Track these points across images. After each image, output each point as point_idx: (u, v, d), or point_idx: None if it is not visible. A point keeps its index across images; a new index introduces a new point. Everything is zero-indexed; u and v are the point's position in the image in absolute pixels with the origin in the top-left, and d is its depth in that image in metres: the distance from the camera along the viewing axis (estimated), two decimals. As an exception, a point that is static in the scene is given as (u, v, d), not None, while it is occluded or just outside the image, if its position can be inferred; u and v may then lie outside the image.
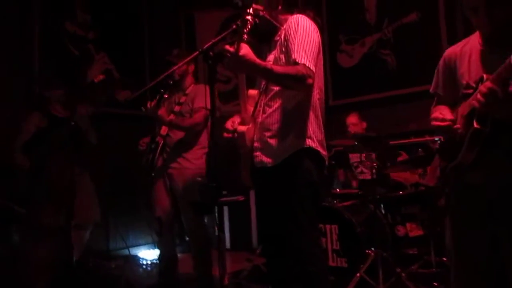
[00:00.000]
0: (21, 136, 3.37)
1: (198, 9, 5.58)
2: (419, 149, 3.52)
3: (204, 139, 3.28)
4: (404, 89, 4.48)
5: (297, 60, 1.96)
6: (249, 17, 1.97)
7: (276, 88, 2.11)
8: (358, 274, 3.07)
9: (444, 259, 3.26)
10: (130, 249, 4.57)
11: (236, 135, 2.18)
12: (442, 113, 1.74)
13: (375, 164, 3.40)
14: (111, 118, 4.34)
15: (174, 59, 3.19)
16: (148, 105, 3.11)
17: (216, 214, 2.06)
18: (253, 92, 2.27)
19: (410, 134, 4.22)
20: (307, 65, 1.96)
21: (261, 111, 2.17)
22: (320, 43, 2.10)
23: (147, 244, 4.87)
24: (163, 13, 5.47)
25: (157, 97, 3.08)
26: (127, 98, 4.38)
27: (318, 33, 2.09)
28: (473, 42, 1.78)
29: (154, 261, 4.06)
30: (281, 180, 2.05)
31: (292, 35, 2.04)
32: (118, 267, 3.97)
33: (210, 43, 2.04)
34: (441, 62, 1.91)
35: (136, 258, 4.53)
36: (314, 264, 2.05)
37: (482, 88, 1.49)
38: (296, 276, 2.06)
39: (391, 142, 4.04)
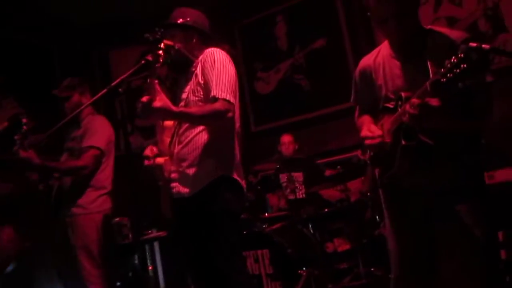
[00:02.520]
0: None
1: (112, 48, 5.49)
2: (338, 166, 3.67)
3: (100, 180, 3.03)
4: (319, 110, 4.68)
5: (216, 96, 2.00)
6: (160, 52, 1.99)
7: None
8: (293, 296, 3.09)
9: (372, 269, 3.38)
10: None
11: (156, 162, 2.15)
12: (370, 130, 1.79)
13: (299, 185, 3.49)
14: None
15: (62, 92, 3.06)
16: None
17: (136, 255, 2.00)
18: (169, 123, 2.26)
19: (330, 153, 4.41)
20: (226, 98, 2.01)
21: (177, 141, 2.18)
22: (236, 74, 2.15)
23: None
24: (74, 53, 5.31)
25: (19, 137, 2.78)
26: (39, 142, 4.15)
27: (233, 65, 2.15)
28: (383, 52, 1.85)
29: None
30: (199, 209, 2.05)
31: (209, 70, 2.08)
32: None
33: (119, 79, 2.02)
34: (356, 74, 1.98)
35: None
36: None
37: (409, 106, 1.53)
38: None
39: (317, 162, 4.19)
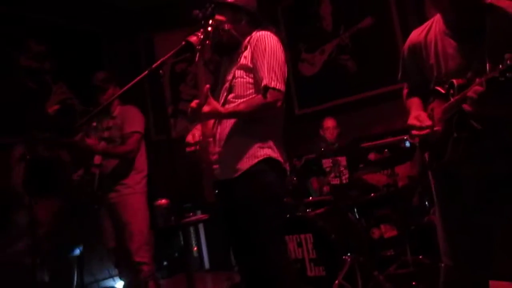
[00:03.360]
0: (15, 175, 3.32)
1: (156, 31, 5.55)
2: (385, 150, 3.54)
3: (140, 163, 3.20)
4: (366, 92, 4.53)
5: (268, 85, 1.97)
6: (209, 28, 1.97)
7: (236, 101, 2.08)
8: (336, 282, 3.03)
9: (420, 257, 3.26)
10: (106, 282, 4.43)
11: (198, 148, 2.12)
12: (419, 119, 1.68)
13: (343, 169, 3.40)
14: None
15: (101, 83, 3.16)
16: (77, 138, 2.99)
17: (181, 237, 2.01)
18: None
19: (376, 136, 4.26)
20: (277, 87, 1.98)
21: (220, 123, 2.13)
22: (285, 59, 2.10)
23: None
24: (121, 37, 5.42)
25: (83, 127, 3.02)
26: (84, 124, 4.29)
27: (283, 50, 2.09)
28: (436, 28, 1.70)
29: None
30: (242, 192, 2.02)
31: (260, 56, 2.04)
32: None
33: (160, 61, 2.00)
34: (405, 49, 1.84)
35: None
36: (281, 276, 2.01)
37: (471, 93, 1.41)
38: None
39: (361, 145, 4.07)
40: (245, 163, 2.03)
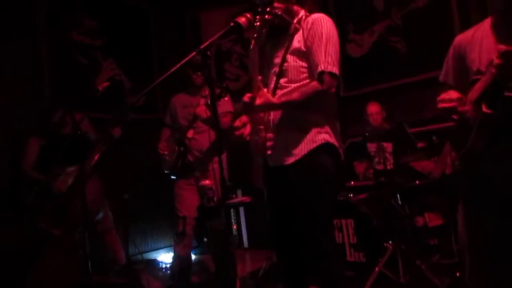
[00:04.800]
0: (27, 157, 3.46)
1: (203, 9, 5.56)
2: (434, 137, 3.41)
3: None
4: (416, 76, 4.37)
5: (324, 70, 1.94)
6: (268, 16, 1.96)
7: (289, 85, 2.05)
8: (377, 268, 3.00)
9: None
10: (150, 254, 4.60)
11: (246, 132, 2.14)
12: (448, 94, 1.66)
13: (389, 155, 3.32)
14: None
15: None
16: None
17: (224, 217, 2.04)
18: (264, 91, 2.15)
19: (424, 122, 4.12)
20: (333, 71, 1.94)
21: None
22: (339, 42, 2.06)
23: (166, 247, 4.89)
24: (169, 15, 5.47)
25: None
26: (135, 102, 4.39)
27: (337, 33, 2.04)
28: (484, 28, 1.69)
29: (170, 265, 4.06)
30: (298, 177, 2.01)
31: (317, 41, 1.99)
32: (137, 272, 3.98)
33: (208, 41, 1.99)
34: (450, 50, 1.83)
35: (155, 263, 4.54)
36: (330, 260, 2.02)
37: (497, 56, 1.41)
38: (313, 273, 2.05)
39: (409, 131, 3.94)
40: (303, 149, 2.01)
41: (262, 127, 2.08)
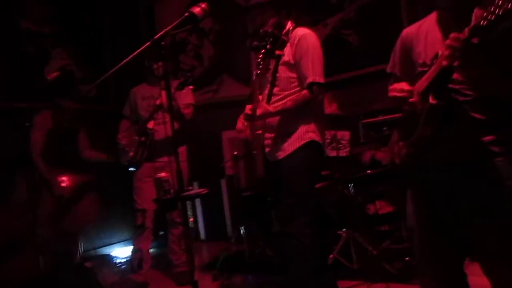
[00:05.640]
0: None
1: (158, -1, 5.45)
2: (384, 128, 3.54)
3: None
4: (367, 68, 4.49)
5: (313, 81, 2.30)
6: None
7: (282, 93, 2.39)
8: (331, 256, 3.09)
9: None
10: (103, 249, 4.49)
11: (248, 134, 2.50)
12: (400, 85, 1.72)
13: (346, 143, 3.41)
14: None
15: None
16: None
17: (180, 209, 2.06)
18: (249, 106, 2.48)
19: (375, 113, 4.24)
20: (321, 81, 2.32)
21: None
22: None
23: (120, 242, 4.80)
24: (122, 3, 5.31)
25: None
26: (87, 92, 4.26)
27: (320, 45, 2.42)
28: (430, 21, 1.75)
29: (128, 259, 4.00)
30: (287, 170, 2.37)
31: (304, 56, 2.33)
32: (91, 268, 3.89)
33: (163, 32, 1.97)
34: (398, 42, 1.89)
35: (109, 258, 4.45)
36: (302, 241, 2.31)
37: (449, 40, 1.45)
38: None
39: (363, 121, 4.06)
40: (293, 145, 2.36)
41: (260, 131, 2.43)
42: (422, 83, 1.62)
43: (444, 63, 1.49)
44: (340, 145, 3.63)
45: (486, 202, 1.56)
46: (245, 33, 5.03)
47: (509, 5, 1.24)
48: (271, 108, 2.35)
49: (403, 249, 3.22)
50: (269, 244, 3.62)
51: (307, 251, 2.28)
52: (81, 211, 3.24)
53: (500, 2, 1.27)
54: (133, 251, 3.46)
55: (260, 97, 2.44)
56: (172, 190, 2.12)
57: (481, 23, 1.32)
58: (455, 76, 1.54)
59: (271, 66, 2.42)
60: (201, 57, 5.31)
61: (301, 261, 2.31)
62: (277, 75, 2.40)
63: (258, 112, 2.34)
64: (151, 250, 3.75)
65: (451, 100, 1.54)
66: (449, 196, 1.64)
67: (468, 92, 1.55)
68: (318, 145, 2.41)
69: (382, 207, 3.55)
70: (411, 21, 1.96)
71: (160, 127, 3.26)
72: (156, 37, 1.93)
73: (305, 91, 2.32)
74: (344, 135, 3.57)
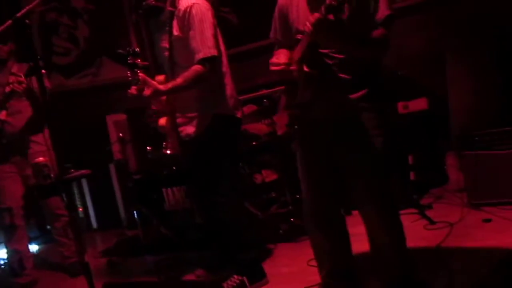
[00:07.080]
0: None
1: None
2: (264, 100, 3.73)
3: None
4: (247, 44, 4.65)
5: (204, 56, 2.21)
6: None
7: (181, 70, 2.29)
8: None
9: (298, 196, 3.58)
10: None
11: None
12: (278, 58, 1.88)
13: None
14: None
15: None
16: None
17: (64, 194, 1.98)
18: (160, 77, 2.42)
19: (258, 87, 4.43)
20: (208, 55, 2.21)
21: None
22: (214, 21, 2.29)
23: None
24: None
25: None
26: None
27: (210, 13, 2.28)
28: None
29: (5, 262, 3.67)
30: (198, 147, 2.39)
31: (192, 29, 2.22)
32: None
33: (25, 9, 1.87)
34: (276, 10, 2.03)
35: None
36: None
37: (309, 22, 1.62)
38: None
39: (240, 98, 4.19)
40: (201, 124, 2.35)
41: (168, 109, 2.39)
42: (297, 52, 1.79)
43: (309, 38, 1.67)
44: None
45: (356, 150, 1.84)
46: (120, 11, 4.88)
47: None
48: (161, 86, 2.26)
49: (289, 212, 3.47)
50: (163, 223, 3.65)
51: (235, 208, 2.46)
52: None
53: None
54: (10, 254, 3.22)
55: (163, 76, 2.40)
56: (52, 175, 2.04)
57: (332, 2, 1.51)
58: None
59: (165, 38, 2.36)
60: (76, 39, 5.03)
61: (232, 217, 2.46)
62: (173, 50, 2.32)
63: (147, 92, 2.23)
64: (36, 248, 3.52)
65: (323, 66, 1.73)
66: (328, 148, 1.90)
67: (334, 55, 1.78)
68: (225, 117, 2.40)
69: (268, 176, 3.76)
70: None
71: (14, 118, 3.04)
72: (18, 14, 1.83)
73: (196, 66, 2.22)
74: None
